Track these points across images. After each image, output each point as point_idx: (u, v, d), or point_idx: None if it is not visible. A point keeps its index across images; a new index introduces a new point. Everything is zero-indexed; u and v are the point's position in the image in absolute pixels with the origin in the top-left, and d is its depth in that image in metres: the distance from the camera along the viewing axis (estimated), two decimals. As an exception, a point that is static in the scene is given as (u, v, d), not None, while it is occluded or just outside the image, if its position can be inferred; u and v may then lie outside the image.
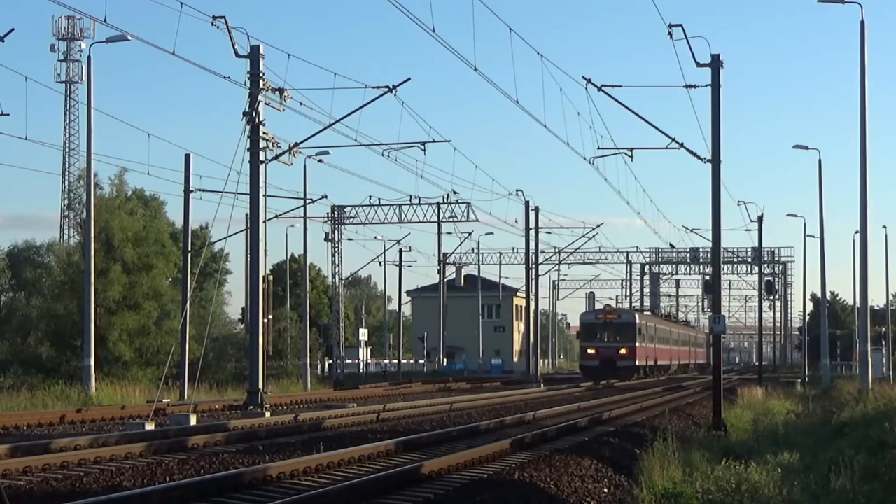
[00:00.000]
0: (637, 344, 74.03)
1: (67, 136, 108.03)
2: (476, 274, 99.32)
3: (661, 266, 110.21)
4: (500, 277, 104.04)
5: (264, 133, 34.51)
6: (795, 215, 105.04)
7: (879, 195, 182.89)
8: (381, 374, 78.32)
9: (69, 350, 52.25)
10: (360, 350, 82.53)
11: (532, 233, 71.51)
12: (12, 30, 34.17)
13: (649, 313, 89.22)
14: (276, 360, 65.73)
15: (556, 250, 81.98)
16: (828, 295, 75.92)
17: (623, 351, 73.02)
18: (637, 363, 74.32)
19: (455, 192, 59.98)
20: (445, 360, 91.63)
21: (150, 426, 26.05)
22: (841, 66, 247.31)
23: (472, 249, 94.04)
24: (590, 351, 73.83)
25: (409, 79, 35.52)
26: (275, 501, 14.58)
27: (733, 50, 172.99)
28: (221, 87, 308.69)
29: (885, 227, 78.17)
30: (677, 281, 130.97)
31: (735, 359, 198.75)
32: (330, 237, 66.65)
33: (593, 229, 76.87)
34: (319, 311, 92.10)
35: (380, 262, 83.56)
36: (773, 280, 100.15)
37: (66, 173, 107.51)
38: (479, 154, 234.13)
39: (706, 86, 29.82)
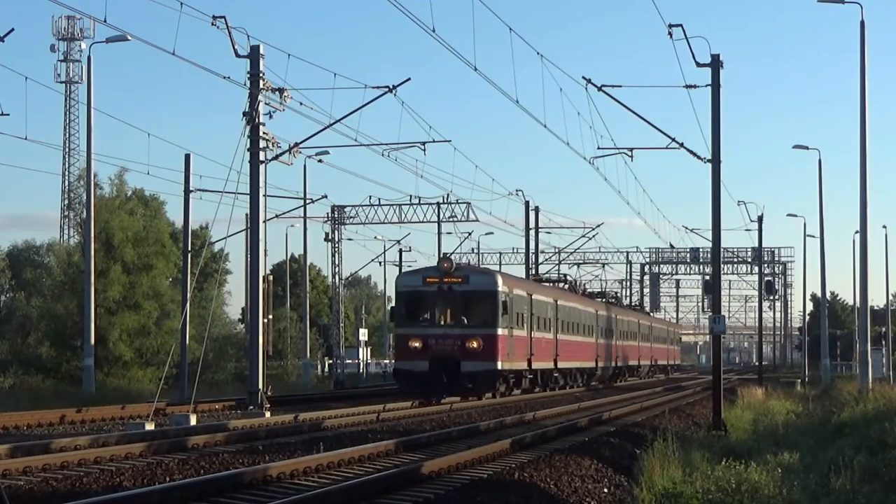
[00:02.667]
0: (501, 331, 41.78)
1: (67, 136, 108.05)
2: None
3: (661, 266, 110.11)
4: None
5: (264, 133, 34.52)
6: (795, 215, 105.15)
7: (879, 195, 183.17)
8: (382, 374, 78.29)
9: (69, 350, 52.24)
10: (360, 350, 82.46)
11: (532, 233, 71.48)
12: (12, 30, 34.22)
13: (549, 285, 57.48)
14: (276, 359, 65.68)
15: (557, 250, 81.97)
16: (828, 295, 75.93)
17: (473, 344, 40.91)
18: (501, 366, 41.93)
19: (451, 193, 59.79)
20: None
21: (150, 426, 26.05)
22: (841, 66, 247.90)
23: (472, 249, 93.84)
24: (413, 344, 41.20)
25: (409, 79, 35.54)
26: (275, 501, 14.59)
27: (733, 50, 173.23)
28: (221, 87, 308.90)
29: (885, 227, 78.28)
30: (677, 281, 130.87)
31: (735, 359, 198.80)
32: (330, 237, 66.57)
33: (593, 229, 76.81)
34: (319, 311, 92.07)
35: (380, 262, 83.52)
36: (773, 280, 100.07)
37: (66, 173, 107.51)
38: (479, 154, 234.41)
39: (706, 86, 29.86)
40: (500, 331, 41.76)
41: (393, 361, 52.69)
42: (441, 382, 40.56)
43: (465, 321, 41.63)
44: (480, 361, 40.98)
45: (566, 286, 59.86)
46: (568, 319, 53.65)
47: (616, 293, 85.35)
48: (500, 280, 42.87)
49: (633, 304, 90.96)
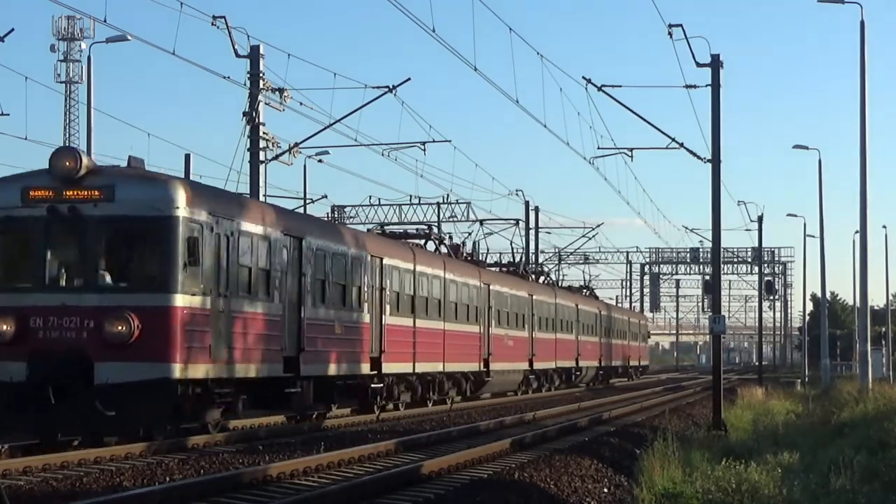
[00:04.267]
0: (185, 300, 20.58)
1: (67, 136, 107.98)
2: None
3: (661, 266, 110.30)
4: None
5: (264, 133, 34.52)
6: (795, 215, 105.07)
7: (879, 195, 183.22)
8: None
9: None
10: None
11: (532, 233, 71.46)
12: (12, 30, 34.24)
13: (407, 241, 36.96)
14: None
15: (557, 250, 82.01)
16: (828, 295, 75.90)
17: (118, 328, 19.91)
18: (180, 372, 20.35)
19: (451, 193, 59.21)
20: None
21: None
22: (841, 66, 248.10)
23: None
24: None
25: (409, 79, 35.52)
26: (275, 501, 14.59)
27: (733, 50, 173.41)
28: (221, 87, 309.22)
29: (885, 227, 78.13)
30: (677, 281, 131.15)
31: (735, 359, 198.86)
32: (330, 237, 66.42)
33: (593, 229, 76.80)
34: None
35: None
36: (773, 280, 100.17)
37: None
38: (479, 154, 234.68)
39: (706, 86, 29.88)
40: (180, 298, 20.66)
41: None
42: (55, 406, 19.77)
43: (107, 280, 20.78)
44: (133, 363, 20.09)
45: (425, 242, 38.87)
46: (414, 293, 33.55)
47: (541, 264, 62.00)
48: (181, 194, 21.04)
49: (585, 286, 72.32)
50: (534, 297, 48.08)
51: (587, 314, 59.31)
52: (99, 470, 17.73)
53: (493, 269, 49.01)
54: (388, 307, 31.15)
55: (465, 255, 43.04)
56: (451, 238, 43.93)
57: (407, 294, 33.00)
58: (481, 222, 53.83)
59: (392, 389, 32.16)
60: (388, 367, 31.04)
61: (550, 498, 16.24)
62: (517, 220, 55.70)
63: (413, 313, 33.31)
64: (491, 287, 41.49)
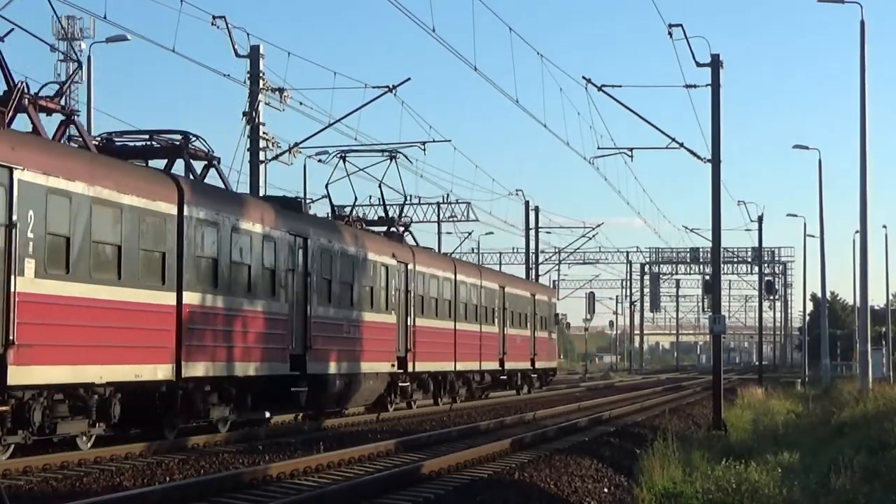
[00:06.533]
0: None
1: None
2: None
3: (661, 266, 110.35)
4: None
5: (264, 133, 34.52)
6: (795, 215, 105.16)
7: (879, 195, 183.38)
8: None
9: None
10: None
11: (532, 233, 71.49)
12: (12, 29, 34.18)
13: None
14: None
15: (557, 250, 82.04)
16: (828, 295, 75.90)
17: None
18: None
19: (451, 193, 59.28)
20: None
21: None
22: (841, 66, 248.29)
23: (472, 249, 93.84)
24: None
25: (409, 79, 35.57)
26: (275, 501, 14.59)
27: (734, 50, 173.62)
28: (221, 87, 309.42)
29: (885, 227, 78.11)
30: (677, 281, 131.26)
31: (735, 359, 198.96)
32: (330, 237, 66.34)
33: (593, 229, 76.79)
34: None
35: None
36: (773, 280, 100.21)
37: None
38: (479, 154, 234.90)
39: (706, 86, 29.88)
40: None
41: None
42: None
43: None
44: None
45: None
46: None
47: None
48: None
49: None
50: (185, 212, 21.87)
51: (386, 271, 31.95)
52: (99, 470, 17.72)
53: None
54: None
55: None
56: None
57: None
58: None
59: None
60: None
61: (550, 498, 16.24)
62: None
63: None
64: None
